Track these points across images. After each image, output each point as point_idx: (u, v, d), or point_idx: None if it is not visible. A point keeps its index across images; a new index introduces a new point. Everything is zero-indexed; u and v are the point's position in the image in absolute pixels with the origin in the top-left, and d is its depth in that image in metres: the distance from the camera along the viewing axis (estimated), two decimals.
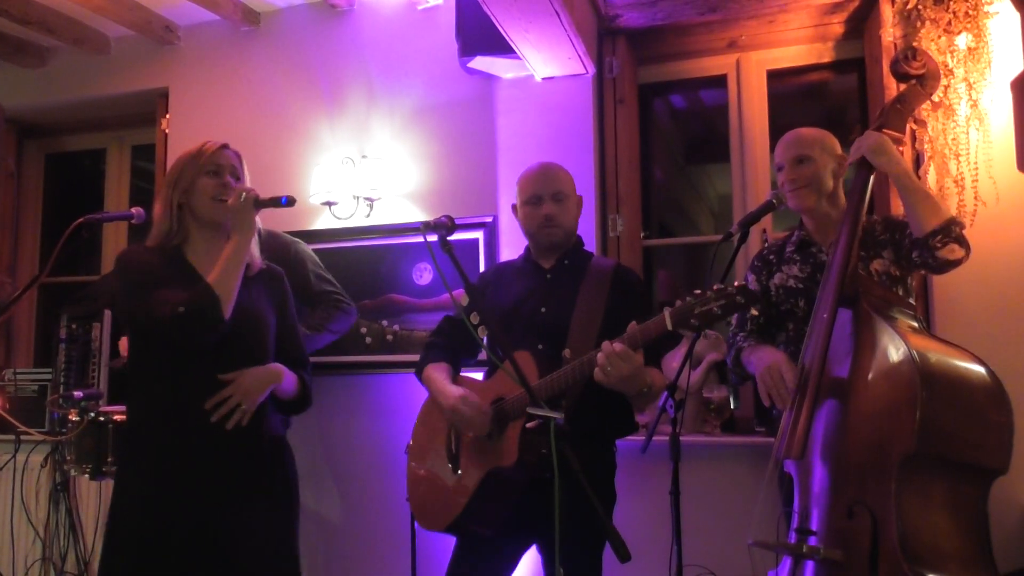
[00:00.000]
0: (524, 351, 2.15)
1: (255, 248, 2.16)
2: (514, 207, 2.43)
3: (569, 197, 2.34)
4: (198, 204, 2.09)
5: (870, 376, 1.86)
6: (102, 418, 2.74)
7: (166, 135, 3.96)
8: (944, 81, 2.78)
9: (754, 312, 2.45)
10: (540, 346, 2.20)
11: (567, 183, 2.36)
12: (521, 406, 2.08)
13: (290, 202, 2.08)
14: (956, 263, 2.11)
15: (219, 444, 2.01)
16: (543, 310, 2.27)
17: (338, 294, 3.00)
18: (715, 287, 1.88)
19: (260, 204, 2.07)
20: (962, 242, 2.08)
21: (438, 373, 2.30)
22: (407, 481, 2.38)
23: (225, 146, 2.16)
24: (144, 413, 2.06)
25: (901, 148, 2.20)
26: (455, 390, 2.20)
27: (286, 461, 2.21)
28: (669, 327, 1.90)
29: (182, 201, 2.10)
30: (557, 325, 2.20)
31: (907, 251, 2.20)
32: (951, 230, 2.06)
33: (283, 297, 2.25)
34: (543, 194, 2.31)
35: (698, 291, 1.89)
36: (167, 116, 3.97)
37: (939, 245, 2.06)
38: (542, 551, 2.25)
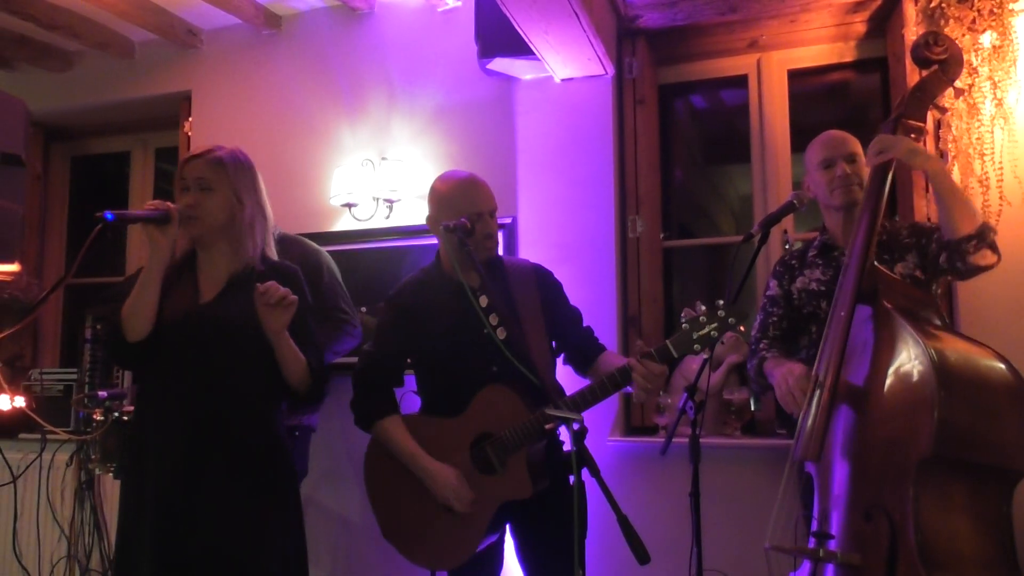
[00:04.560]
0: (496, 386, 2.16)
1: (252, 250, 2.14)
2: (431, 219, 2.33)
3: (496, 211, 2.34)
4: None
5: (888, 375, 1.84)
6: (126, 417, 2.76)
7: (189, 138, 4.00)
8: (968, 80, 2.75)
9: (775, 317, 2.45)
10: (494, 368, 2.18)
11: (495, 198, 2.35)
12: (519, 438, 2.10)
13: (112, 221, 2.05)
14: (986, 269, 2.09)
15: (211, 446, 2.01)
16: (484, 331, 2.16)
17: (346, 315, 2.95)
18: (704, 310, 1.97)
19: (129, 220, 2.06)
20: (995, 248, 2.07)
21: (405, 439, 2.22)
22: (388, 535, 2.30)
23: (197, 155, 2.11)
24: (139, 417, 2.12)
25: (923, 139, 2.16)
26: (447, 471, 2.16)
27: (285, 460, 2.18)
28: (675, 355, 2.01)
29: None
30: (508, 342, 2.11)
31: (934, 255, 2.18)
32: (986, 235, 2.05)
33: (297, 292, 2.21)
34: (484, 211, 2.27)
35: (686, 311, 1.99)
36: (190, 119, 4.01)
37: (972, 250, 2.05)
38: (521, 541, 2.26)
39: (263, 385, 2.11)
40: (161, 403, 2.05)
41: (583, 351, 2.36)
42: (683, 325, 1.98)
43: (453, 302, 2.24)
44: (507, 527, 2.28)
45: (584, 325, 2.42)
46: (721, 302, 1.95)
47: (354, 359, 3.18)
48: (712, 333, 1.95)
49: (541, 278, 2.39)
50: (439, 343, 2.26)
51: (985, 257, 2.06)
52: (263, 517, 2.07)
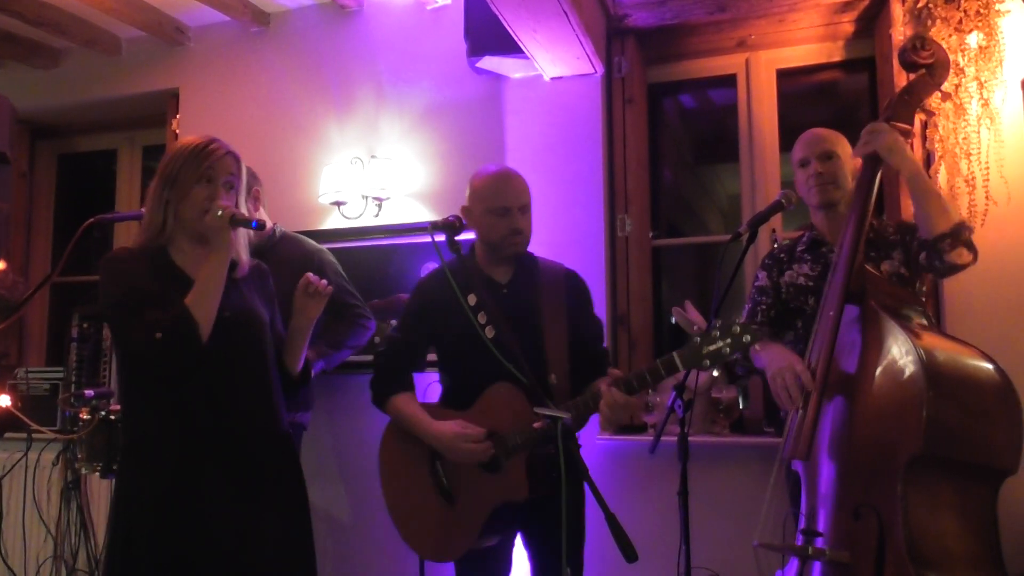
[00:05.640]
0: (504, 383, 2.14)
1: (243, 251, 2.13)
2: (465, 210, 2.32)
3: (529, 207, 2.31)
4: (187, 212, 2.01)
5: (876, 375, 1.85)
6: (113, 416, 2.75)
7: (177, 135, 3.98)
8: (955, 80, 2.77)
9: (764, 305, 2.45)
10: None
11: (527, 192, 2.32)
12: (525, 440, 2.09)
13: (260, 227, 2.01)
14: (962, 267, 2.11)
15: (228, 446, 1.99)
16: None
17: (359, 307, 2.98)
18: (719, 325, 1.90)
19: (236, 223, 2.01)
20: (970, 247, 2.08)
21: (412, 408, 2.27)
22: (392, 516, 2.32)
23: (227, 152, 2.06)
24: (148, 422, 2.00)
25: (910, 141, 2.18)
26: (446, 426, 2.17)
27: (295, 458, 2.21)
28: (682, 368, 1.93)
29: (172, 201, 2.02)
30: (529, 346, 2.12)
31: (915, 253, 2.19)
32: (961, 234, 2.06)
33: (271, 292, 2.24)
34: (512, 206, 2.25)
35: (697, 327, 1.92)
36: (178, 117, 3.99)
37: (947, 248, 2.06)
38: (526, 541, 2.27)
39: (275, 378, 2.13)
40: (200, 406, 1.97)
41: (588, 370, 2.29)
42: (695, 339, 1.91)
43: (478, 295, 2.22)
44: (519, 536, 2.29)
45: (603, 346, 2.39)
46: (740, 320, 1.91)
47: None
48: (725, 350, 1.86)
49: (572, 284, 2.37)
50: (458, 335, 2.25)
51: (961, 256, 2.08)
52: (305, 522, 2.12)
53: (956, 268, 2.11)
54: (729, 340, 1.86)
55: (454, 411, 2.25)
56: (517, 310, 2.22)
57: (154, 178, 2.06)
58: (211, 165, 2.01)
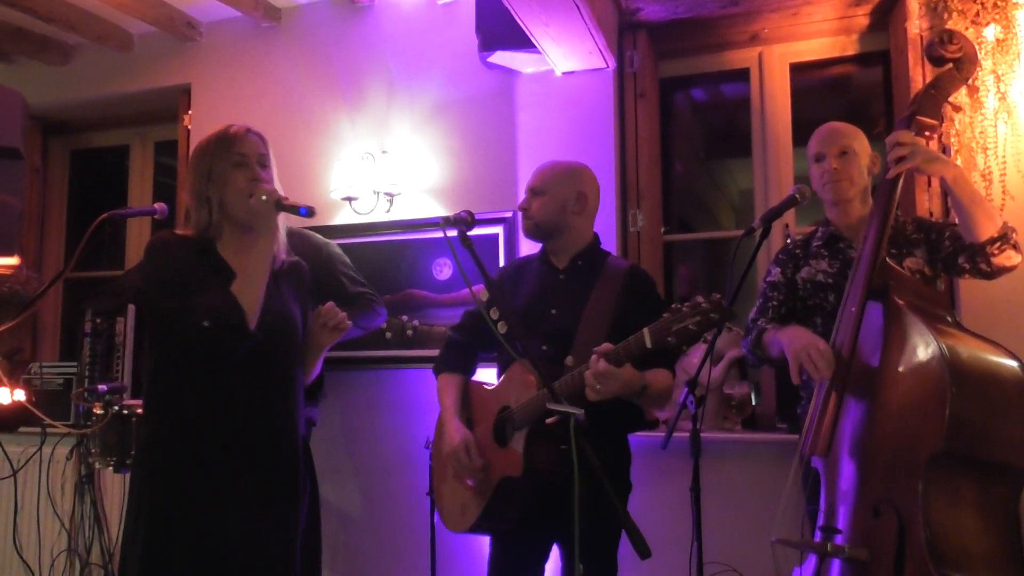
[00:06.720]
0: (526, 360, 2.12)
1: (280, 243, 2.09)
2: None
3: (545, 192, 2.35)
4: (231, 200, 1.98)
5: (899, 371, 1.83)
6: (126, 411, 2.77)
7: (188, 131, 3.98)
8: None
9: (775, 301, 2.43)
10: (544, 347, 2.21)
11: (545, 178, 2.38)
12: (525, 415, 2.09)
13: (310, 213, 1.96)
14: (1011, 269, 2.11)
15: (255, 445, 1.97)
16: (553, 311, 2.27)
17: (371, 295, 2.99)
18: (689, 302, 1.86)
19: (281, 208, 1.96)
20: (1019, 248, 2.09)
21: (446, 395, 2.36)
22: (432, 481, 2.47)
23: (249, 130, 2.05)
24: (176, 415, 1.96)
25: (933, 136, 2.15)
26: (457, 434, 2.23)
27: (309, 457, 2.22)
28: (649, 345, 1.90)
29: (214, 194, 1.98)
30: (564, 328, 2.21)
31: (948, 254, 2.18)
32: (1009, 236, 2.07)
33: (306, 290, 2.21)
34: (527, 188, 2.40)
35: (675, 305, 1.88)
36: (189, 112, 3.99)
37: (997, 252, 2.06)
38: (562, 550, 2.27)
39: (300, 380, 2.12)
40: (230, 404, 1.94)
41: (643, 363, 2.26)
42: (665, 315, 1.88)
43: (534, 282, 2.37)
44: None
45: None
46: (718, 295, 1.85)
47: (354, 354, 3.23)
48: (691, 327, 1.83)
49: (629, 284, 2.31)
50: (510, 318, 2.30)
51: (1010, 258, 2.08)
52: (315, 521, 2.12)
53: (1005, 270, 2.11)
54: (697, 318, 1.82)
55: (487, 387, 2.35)
56: (565, 294, 2.29)
57: (189, 178, 2.04)
58: (240, 148, 2.00)
